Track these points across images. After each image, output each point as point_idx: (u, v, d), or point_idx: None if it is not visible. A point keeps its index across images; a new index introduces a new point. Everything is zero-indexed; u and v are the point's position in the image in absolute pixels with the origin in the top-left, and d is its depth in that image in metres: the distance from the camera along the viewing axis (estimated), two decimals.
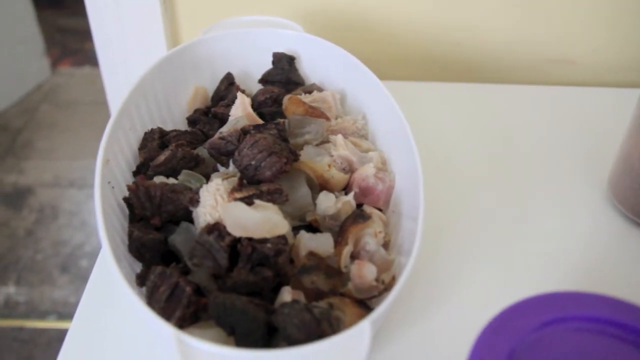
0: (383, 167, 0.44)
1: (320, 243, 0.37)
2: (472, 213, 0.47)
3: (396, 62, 0.65)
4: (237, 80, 0.51)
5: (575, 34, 0.63)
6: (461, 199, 0.49)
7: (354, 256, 0.38)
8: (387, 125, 0.45)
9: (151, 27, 0.62)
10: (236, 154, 0.40)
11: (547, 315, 0.30)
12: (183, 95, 0.50)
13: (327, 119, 0.46)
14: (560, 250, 0.45)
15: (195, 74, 0.51)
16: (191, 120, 0.49)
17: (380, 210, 0.42)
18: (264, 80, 0.52)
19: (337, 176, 0.42)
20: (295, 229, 0.39)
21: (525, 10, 0.62)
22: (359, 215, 0.38)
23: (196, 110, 0.50)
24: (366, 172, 0.42)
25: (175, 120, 0.50)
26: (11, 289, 1.15)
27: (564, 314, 0.30)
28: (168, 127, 0.48)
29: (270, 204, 0.37)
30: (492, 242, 0.45)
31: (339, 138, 0.43)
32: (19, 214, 1.28)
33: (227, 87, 0.50)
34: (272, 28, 0.52)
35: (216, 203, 0.37)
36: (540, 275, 0.43)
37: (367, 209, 0.41)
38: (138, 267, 0.39)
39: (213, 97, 0.51)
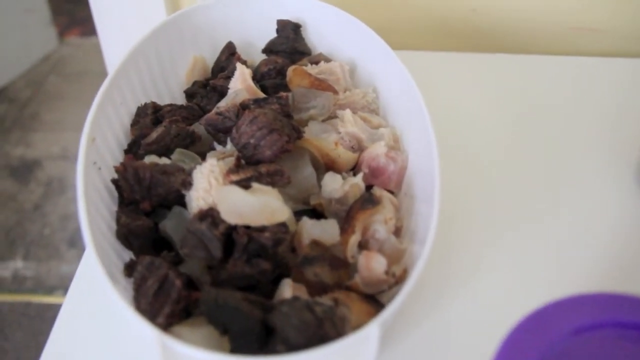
0: (395, 145, 0.40)
1: (325, 230, 0.34)
2: (492, 198, 0.43)
3: (408, 31, 0.60)
4: (239, 50, 0.48)
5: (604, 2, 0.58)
6: (479, 181, 0.45)
7: (362, 245, 0.34)
8: (401, 99, 0.41)
9: None
10: (234, 131, 0.37)
11: (583, 320, 0.27)
12: (181, 66, 0.47)
13: (335, 92, 0.42)
14: (592, 242, 0.41)
15: (194, 43, 0.47)
16: (189, 94, 0.46)
17: (392, 193, 0.38)
18: (267, 49, 0.48)
19: (345, 155, 0.38)
20: (299, 214, 0.36)
21: None
22: (367, 200, 0.35)
23: (195, 83, 0.46)
24: (376, 151, 0.38)
25: (172, 93, 0.46)
26: (19, 264, 1.13)
27: (602, 318, 0.27)
28: (164, 101, 0.45)
29: (269, 188, 0.34)
30: (514, 232, 0.41)
31: (347, 113, 0.40)
32: (26, 187, 1.25)
33: (228, 58, 0.46)
34: None
35: (210, 186, 0.34)
36: (571, 272, 0.39)
37: (378, 191, 0.37)
38: (129, 254, 0.35)
39: (213, 69, 0.47)
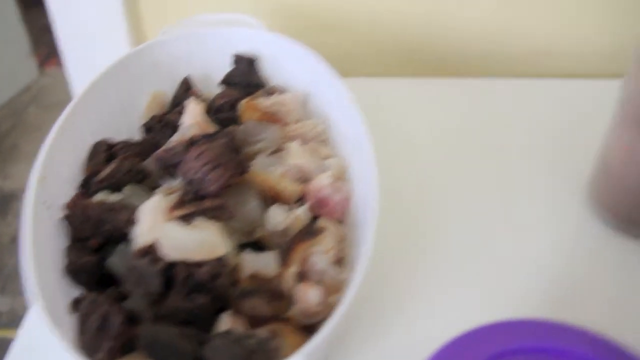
0: (342, 175, 0.41)
1: (264, 263, 0.35)
2: (436, 224, 0.44)
3: (371, 58, 0.62)
4: (200, 84, 0.49)
5: (559, 23, 0.59)
6: (427, 206, 0.46)
7: (302, 276, 0.35)
8: (348, 128, 0.42)
9: (113, 25, 0.59)
10: (181, 166, 0.38)
11: (503, 346, 0.27)
12: (141, 101, 0.48)
13: (284, 124, 0.43)
14: (531, 267, 0.42)
15: (154, 77, 0.49)
16: (147, 128, 0.47)
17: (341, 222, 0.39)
18: (225, 82, 0.49)
19: (290, 188, 0.39)
20: (243, 247, 0.37)
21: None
22: (306, 232, 0.36)
23: (152, 118, 0.47)
24: (321, 183, 0.39)
25: (132, 128, 0.47)
26: None
27: (523, 344, 0.27)
28: (123, 136, 0.46)
29: (211, 222, 0.35)
30: (455, 258, 0.42)
31: (294, 145, 0.41)
32: (4, 220, 1.25)
33: (184, 92, 0.48)
34: (232, 27, 0.49)
35: (153, 222, 0.35)
36: (507, 296, 0.40)
37: (323, 222, 0.38)
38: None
39: (171, 103, 0.49)
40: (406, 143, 0.51)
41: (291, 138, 0.43)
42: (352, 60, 0.61)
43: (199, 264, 0.33)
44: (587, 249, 0.43)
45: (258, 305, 0.33)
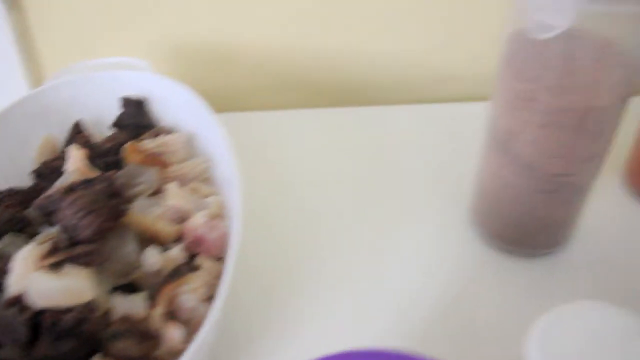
0: (220, 212, 0.42)
1: (135, 305, 0.36)
2: (314, 251, 0.46)
3: (270, 90, 0.64)
4: (92, 127, 0.50)
5: (451, 49, 0.62)
6: (302, 236, 0.48)
7: (172, 315, 0.37)
8: (225, 166, 0.44)
9: (8, 71, 0.60)
10: (57, 213, 0.39)
11: None
12: (33, 146, 0.49)
13: (167, 165, 0.45)
14: (412, 291, 0.44)
15: (46, 122, 0.50)
16: (37, 174, 0.48)
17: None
18: (116, 125, 0.50)
19: (167, 229, 0.40)
20: (118, 289, 0.38)
21: (398, 28, 0.61)
22: (175, 272, 0.37)
23: (43, 163, 0.48)
24: (196, 221, 0.40)
25: (22, 174, 0.48)
26: None
27: None
28: (12, 183, 0.46)
29: (79, 269, 0.36)
30: (335, 286, 0.44)
31: (171, 186, 0.42)
32: None
33: (74, 137, 0.49)
34: (120, 70, 0.50)
35: (24, 272, 0.36)
36: (386, 323, 0.42)
37: (200, 260, 0.40)
38: None
39: (63, 148, 0.50)
40: (292, 172, 0.53)
41: (172, 179, 0.44)
42: (250, 94, 0.63)
43: (65, 310, 0.34)
44: (470, 269, 0.45)
45: (128, 346, 0.34)
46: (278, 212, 0.49)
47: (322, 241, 0.47)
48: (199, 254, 0.41)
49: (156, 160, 0.44)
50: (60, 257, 0.36)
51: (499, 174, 0.42)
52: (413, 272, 0.45)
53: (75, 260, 0.36)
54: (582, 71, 0.37)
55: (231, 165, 0.41)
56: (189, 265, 0.38)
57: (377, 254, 0.46)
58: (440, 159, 0.55)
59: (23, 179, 0.48)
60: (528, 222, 0.43)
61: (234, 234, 0.37)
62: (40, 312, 0.34)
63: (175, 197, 0.41)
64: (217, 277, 0.40)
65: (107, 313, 0.36)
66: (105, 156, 0.47)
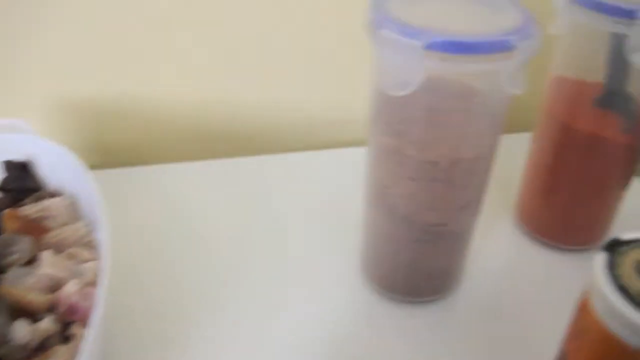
0: (97, 278, 0.41)
1: None
2: (194, 310, 0.46)
3: (168, 144, 0.63)
4: None
5: (347, 93, 0.63)
6: (191, 289, 0.47)
7: None
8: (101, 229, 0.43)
9: None
10: None
11: None
12: None
13: (45, 230, 0.44)
14: (302, 341, 0.43)
15: None
16: None
17: None
18: (2, 189, 0.49)
19: (39, 298, 0.39)
20: None
21: (298, 76, 0.62)
22: (42, 344, 0.36)
23: None
24: (69, 290, 0.39)
25: None
26: None
27: None
28: None
29: None
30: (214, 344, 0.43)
31: (45, 254, 0.41)
32: None
33: None
34: (2, 134, 0.49)
35: None
36: None
37: (75, 328, 0.39)
38: None
39: None
40: (183, 225, 0.53)
41: (51, 245, 0.43)
42: (147, 148, 0.63)
43: None
44: (359, 318, 0.45)
45: None
46: (169, 266, 0.49)
47: (212, 293, 0.47)
48: (74, 323, 0.39)
49: (34, 227, 0.43)
50: None
51: (378, 225, 0.43)
52: (303, 321, 0.44)
53: None
54: (447, 123, 0.38)
55: (104, 228, 0.40)
56: (61, 336, 0.37)
57: (268, 304, 0.46)
58: (336, 205, 0.55)
59: None
60: (411, 272, 0.43)
61: (96, 304, 0.36)
62: None
63: (49, 265, 0.40)
64: None
65: None
66: None
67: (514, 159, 0.54)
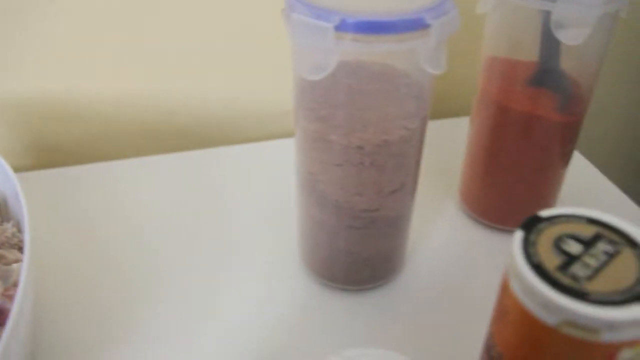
0: None
1: None
2: (138, 299, 0.45)
3: (107, 142, 0.62)
4: None
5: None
6: (134, 278, 0.46)
7: None
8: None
9: None
10: None
11: None
12: None
13: None
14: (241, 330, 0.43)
15: None
16: None
17: None
18: None
19: None
20: None
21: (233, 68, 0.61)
22: None
23: None
24: None
25: None
26: None
27: None
28: None
29: None
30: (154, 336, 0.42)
31: None
32: None
33: None
34: None
35: None
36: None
37: (2, 332, 0.37)
38: None
39: None
40: (127, 221, 0.52)
41: None
42: (84, 146, 0.61)
43: None
44: (300, 305, 0.44)
45: None
46: (106, 265, 0.48)
47: (150, 290, 0.46)
48: (2, 326, 0.38)
49: None
50: None
51: (310, 213, 0.42)
52: (243, 313, 0.44)
53: None
54: (370, 106, 0.37)
55: (26, 228, 0.39)
56: None
57: (208, 298, 0.45)
58: (274, 196, 0.54)
59: None
60: (348, 259, 0.43)
61: (15, 304, 0.35)
62: None
63: None
64: None
65: None
66: None
67: (456, 143, 0.54)
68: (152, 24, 0.56)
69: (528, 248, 0.27)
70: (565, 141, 0.47)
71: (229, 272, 0.47)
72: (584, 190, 0.54)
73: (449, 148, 0.56)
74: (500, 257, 0.48)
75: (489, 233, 0.51)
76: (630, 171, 0.86)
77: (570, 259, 0.27)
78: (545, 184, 0.49)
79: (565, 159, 0.48)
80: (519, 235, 0.28)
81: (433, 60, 0.35)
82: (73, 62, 0.57)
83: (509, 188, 0.49)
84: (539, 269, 0.26)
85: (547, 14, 0.41)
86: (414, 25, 0.33)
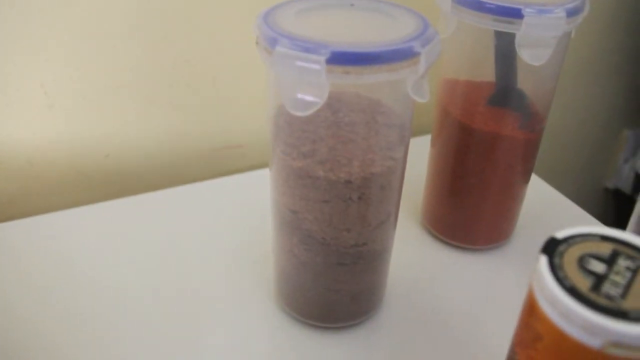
0: None
1: None
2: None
3: (46, 191, 0.57)
4: None
5: (238, 120, 0.61)
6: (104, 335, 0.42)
7: None
8: None
9: None
10: None
11: None
12: None
13: None
14: None
15: None
16: None
17: None
18: None
19: None
20: None
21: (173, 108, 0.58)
22: None
23: None
24: None
25: None
26: None
27: None
28: None
29: None
30: None
31: None
32: None
33: None
34: None
35: None
36: None
37: None
38: None
39: None
40: (83, 273, 0.47)
41: None
42: (24, 198, 0.57)
43: None
44: (283, 347, 0.42)
45: None
46: (64, 321, 0.43)
47: (122, 335, 0.42)
48: None
49: None
50: None
51: (292, 253, 0.40)
52: (219, 356, 0.41)
53: None
54: (355, 139, 0.36)
55: None
56: None
57: (181, 345, 0.42)
58: (236, 237, 0.52)
59: None
60: (332, 297, 0.41)
61: None
62: None
63: None
64: None
65: None
66: None
67: (415, 162, 0.53)
68: (93, 61, 0.53)
69: (557, 272, 0.27)
70: (526, 158, 0.48)
71: (199, 319, 0.44)
72: (541, 206, 0.56)
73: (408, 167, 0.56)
74: (474, 276, 0.48)
75: (458, 253, 0.51)
76: (579, 190, 0.90)
77: (599, 278, 0.27)
78: (509, 201, 0.49)
79: (527, 175, 0.49)
80: (544, 260, 0.28)
81: (419, 88, 0.34)
82: (5, 110, 0.52)
83: (475, 208, 0.49)
84: (574, 292, 0.26)
85: (504, 36, 0.42)
86: (405, 54, 0.32)
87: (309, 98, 0.32)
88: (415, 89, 0.34)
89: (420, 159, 0.51)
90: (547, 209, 0.56)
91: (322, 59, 0.31)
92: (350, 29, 0.35)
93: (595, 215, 0.54)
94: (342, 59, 0.31)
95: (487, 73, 0.45)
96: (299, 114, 0.33)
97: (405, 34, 0.33)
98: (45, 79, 0.52)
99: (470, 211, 0.49)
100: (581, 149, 0.88)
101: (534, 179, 0.60)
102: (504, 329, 0.34)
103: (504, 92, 0.45)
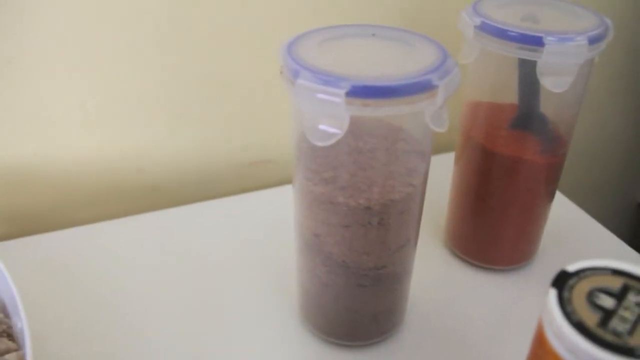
0: None
1: None
2: None
3: (77, 206, 0.59)
4: None
5: (268, 135, 0.62)
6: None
7: None
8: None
9: None
10: None
11: None
12: None
13: None
14: None
15: None
16: None
17: None
18: None
19: None
20: None
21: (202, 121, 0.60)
22: None
23: None
24: None
25: None
26: None
27: None
28: None
29: None
30: None
31: None
32: None
33: None
34: None
35: None
36: None
37: None
38: None
39: None
40: (110, 286, 0.49)
41: None
42: (62, 213, 0.59)
43: None
44: None
45: None
46: (91, 336, 0.45)
47: (152, 346, 0.44)
48: None
49: None
50: None
51: (314, 273, 0.41)
52: None
53: None
54: (375, 165, 0.37)
55: (20, 314, 0.37)
56: None
57: (209, 356, 0.43)
58: (262, 252, 0.53)
59: None
60: (353, 317, 0.42)
61: None
62: None
63: None
64: None
65: None
66: None
67: (439, 180, 0.54)
68: (126, 77, 0.55)
69: (565, 307, 0.28)
70: (549, 181, 0.48)
71: (224, 334, 0.45)
72: (565, 226, 0.56)
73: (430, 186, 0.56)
74: (495, 297, 0.49)
75: (480, 273, 0.51)
76: (608, 207, 0.89)
77: (607, 313, 0.27)
78: (531, 222, 0.50)
79: (550, 197, 0.49)
80: (553, 293, 0.28)
81: (438, 118, 0.35)
82: (38, 124, 0.54)
83: (497, 229, 0.49)
84: (581, 328, 0.27)
85: (526, 62, 0.42)
86: (423, 87, 0.33)
87: (329, 129, 0.33)
88: (434, 119, 0.35)
89: (443, 177, 0.52)
90: (572, 228, 0.56)
91: (342, 92, 0.32)
92: (371, 60, 0.36)
93: (628, 231, 0.54)
94: (362, 92, 0.32)
95: (509, 97, 0.45)
96: (320, 144, 0.34)
97: (424, 66, 0.34)
98: (83, 96, 0.54)
99: (492, 232, 0.50)
100: (609, 165, 0.87)
101: (559, 197, 0.60)
102: (523, 351, 0.34)
103: (526, 117, 0.46)
